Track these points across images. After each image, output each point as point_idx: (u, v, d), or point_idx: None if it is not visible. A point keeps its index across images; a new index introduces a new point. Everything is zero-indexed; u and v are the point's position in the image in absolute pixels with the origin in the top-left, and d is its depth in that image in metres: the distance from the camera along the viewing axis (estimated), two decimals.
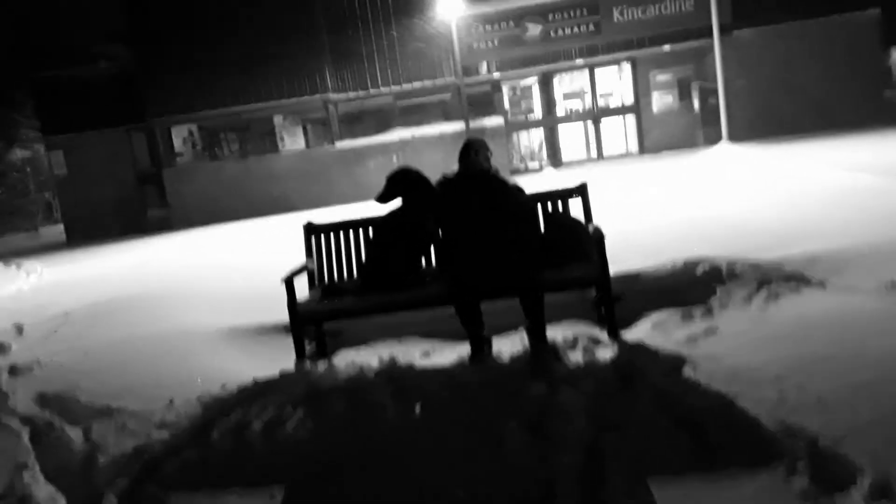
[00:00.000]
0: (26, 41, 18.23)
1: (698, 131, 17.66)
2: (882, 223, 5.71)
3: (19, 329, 6.19)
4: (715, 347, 3.82)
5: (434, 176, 4.62)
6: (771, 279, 4.62)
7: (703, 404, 3.16)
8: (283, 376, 4.20)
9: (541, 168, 18.11)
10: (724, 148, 15.02)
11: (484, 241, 4.25)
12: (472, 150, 4.45)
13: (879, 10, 16.75)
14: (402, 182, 4.70)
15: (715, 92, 16.21)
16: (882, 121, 16.04)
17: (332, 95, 17.39)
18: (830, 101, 16.80)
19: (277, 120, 17.62)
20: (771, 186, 8.71)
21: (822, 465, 2.57)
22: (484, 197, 4.34)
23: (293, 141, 17.74)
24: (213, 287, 7.19)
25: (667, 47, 17.41)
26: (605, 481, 2.75)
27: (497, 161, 4.71)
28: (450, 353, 4.65)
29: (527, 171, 18.20)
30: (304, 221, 5.33)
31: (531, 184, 5.75)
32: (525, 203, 4.56)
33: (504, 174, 4.48)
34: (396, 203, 4.76)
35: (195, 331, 5.43)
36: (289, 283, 4.50)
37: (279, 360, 4.87)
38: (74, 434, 3.65)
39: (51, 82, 18.24)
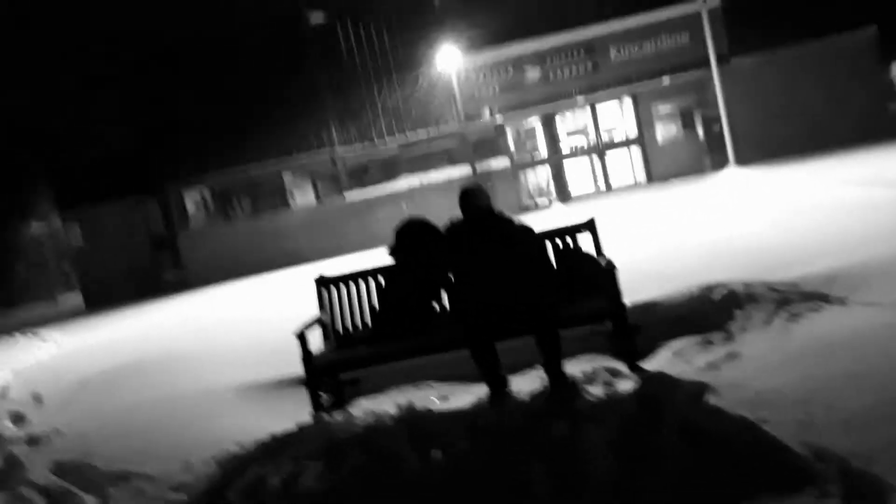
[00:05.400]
0: (46, 136, 18.84)
1: (705, 157, 17.69)
2: None
3: (37, 399, 6.20)
4: (737, 373, 3.73)
5: (443, 222, 4.63)
6: (790, 300, 4.54)
7: (729, 432, 3.06)
8: (301, 430, 4.13)
9: (549, 204, 18.14)
10: (732, 172, 15.02)
11: (495, 281, 4.22)
12: (472, 196, 4.46)
13: (876, 28, 16.85)
14: (409, 234, 4.73)
15: (718, 119, 16.29)
16: (889, 133, 15.97)
17: (339, 149, 17.66)
18: (833, 120, 16.77)
19: (287, 177, 17.89)
20: (781, 206, 8.65)
21: (854, 486, 2.48)
22: (493, 238, 4.34)
23: (303, 195, 17.95)
24: (228, 344, 7.18)
25: (666, 80, 17.58)
26: None
27: (506, 200, 4.74)
28: (468, 396, 4.58)
29: (536, 207, 18.23)
30: (317, 273, 5.33)
31: (541, 220, 5.73)
32: (534, 241, 4.54)
33: (512, 213, 4.47)
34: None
35: (211, 389, 5.40)
36: (301, 336, 4.49)
37: (297, 413, 4.81)
38: (91, 501, 3.61)
39: (66, 165, 18.85)
